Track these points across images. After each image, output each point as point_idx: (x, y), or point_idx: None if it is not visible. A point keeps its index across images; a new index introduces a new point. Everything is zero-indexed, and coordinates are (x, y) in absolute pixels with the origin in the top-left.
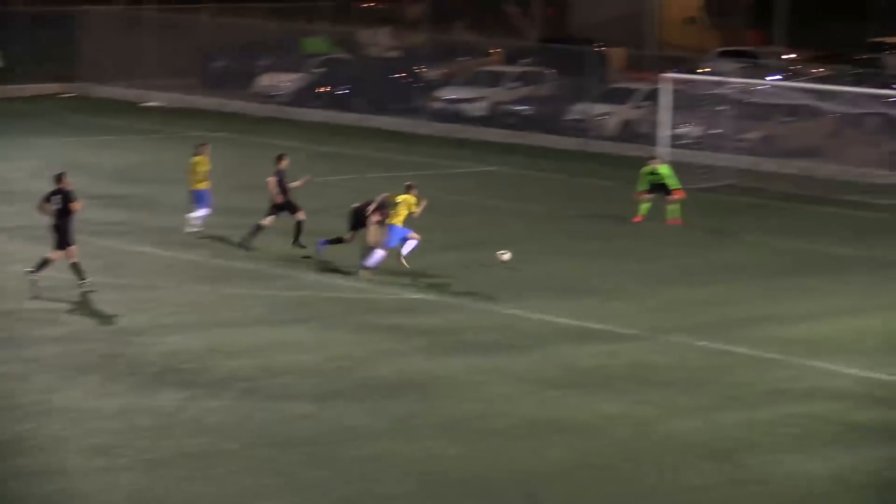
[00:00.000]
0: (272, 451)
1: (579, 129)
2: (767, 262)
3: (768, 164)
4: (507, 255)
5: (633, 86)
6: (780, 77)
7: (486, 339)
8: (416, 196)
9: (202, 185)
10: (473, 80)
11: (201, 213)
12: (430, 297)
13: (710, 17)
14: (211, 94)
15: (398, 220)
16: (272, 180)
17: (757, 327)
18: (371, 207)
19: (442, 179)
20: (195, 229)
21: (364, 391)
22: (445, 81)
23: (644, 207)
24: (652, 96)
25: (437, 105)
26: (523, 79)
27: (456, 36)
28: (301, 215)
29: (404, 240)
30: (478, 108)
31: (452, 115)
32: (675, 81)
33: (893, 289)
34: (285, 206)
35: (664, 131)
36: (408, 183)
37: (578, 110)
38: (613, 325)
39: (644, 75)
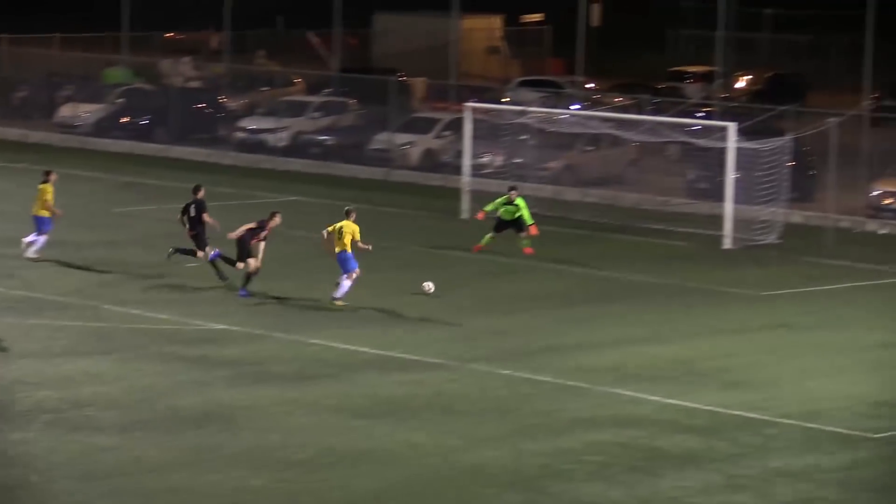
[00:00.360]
0: (75, 483)
1: (383, 158)
2: (570, 291)
3: (571, 193)
4: (430, 286)
5: (435, 115)
6: (582, 106)
7: (291, 370)
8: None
9: (44, 213)
10: (276, 110)
11: (41, 239)
12: (235, 327)
13: (512, 46)
14: (13, 125)
15: (344, 246)
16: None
17: (561, 355)
18: (247, 230)
19: (245, 210)
20: (34, 255)
21: (168, 422)
22: (248, 111)
23: (486, 239)
24: (454, 126)
25: (240, 135)
26: (326, 109)
27: (258, 66)
28: (202, 255)
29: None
30: (280, 139)
31: (255, 146)
32: (478, 111)
33: (693, 316)
34: (194, 240)
35: (467, 160)
36: (348, 208)
37: (381, 140)
38: (419, 354)
39: (447, 105)
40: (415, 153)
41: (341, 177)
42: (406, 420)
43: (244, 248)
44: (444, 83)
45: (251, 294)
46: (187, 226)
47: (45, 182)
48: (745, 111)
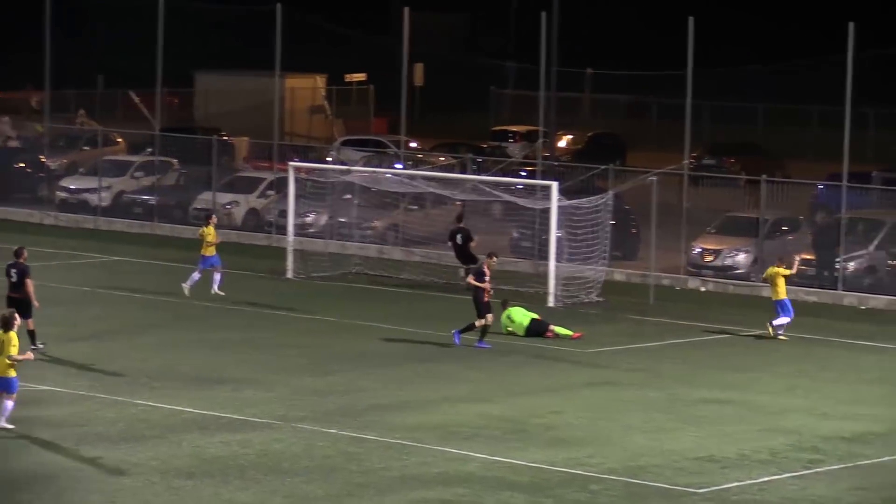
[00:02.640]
0: None
1: (206, 218)
2: (396, 350)
3: (395, 252)
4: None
5: (259, 175)
6: (405, 165)
7: (115, 430)
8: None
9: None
10: (97, 170)
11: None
12: (59, 388)
13: (335, 105)
14: None
15: (210, 250)
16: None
17: (387, 414)
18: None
19: (67, 270)
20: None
21: None
22: (69, 171)
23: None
24: (278, 185)
25: (61, 195)
26: (148, 168)
27: (79, 125)
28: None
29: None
30: (102, 198)
31: (77, 205)
32: (301, 170)
33: (519, 375)
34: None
35: (291, 220)
36: (207, 213)
37: (204, 199)
38: (244, 413)
39: (270, 164)
40: (238, 213)
41: (165, 236)
42: (231, 480)
43: (481, 304)
44: (267, 142)
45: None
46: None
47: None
48: (567, 170)
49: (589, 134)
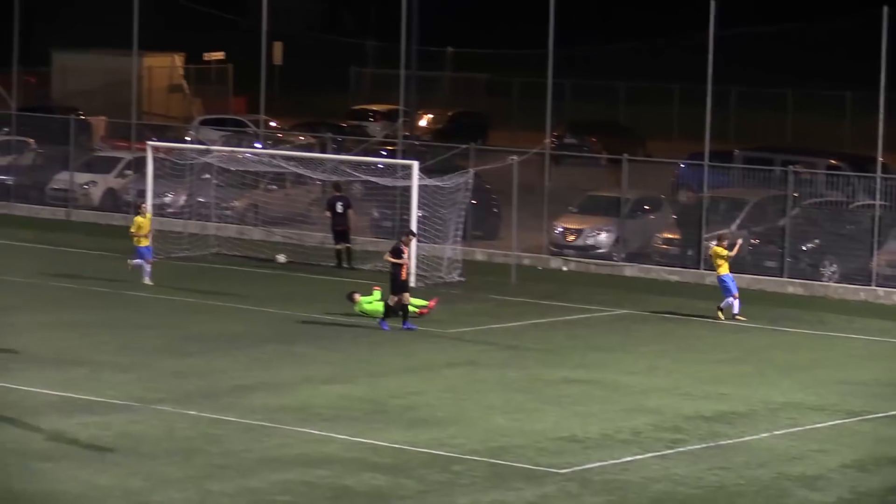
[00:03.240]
0: None
1: (63, 198)
2: (256, 330)
3: (255, 232)
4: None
5: (116, 155)
6: (265, 145)
7: None
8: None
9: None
10: None
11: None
12: None
13: (194, 85)
14: None
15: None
16: None
17: (247, 395)
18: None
19: None
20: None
21: None
22: None
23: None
24: (136, 165)
25: None
26: (4, 148)
27: None
28: None
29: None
30: None
31: None
32: (160, 150)
33: (379, 355)
34: None
35: (149, 200)
36: (139, 201)
37: (62, 180)
38: (102, 395)
39: (128, 144)
40: (96, 193)
41: (22, 217)
42: (90, 462)
43: (396, 281)
44: (125, 122)
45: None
46: None
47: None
48: (428, 149)
49: (450, 113)
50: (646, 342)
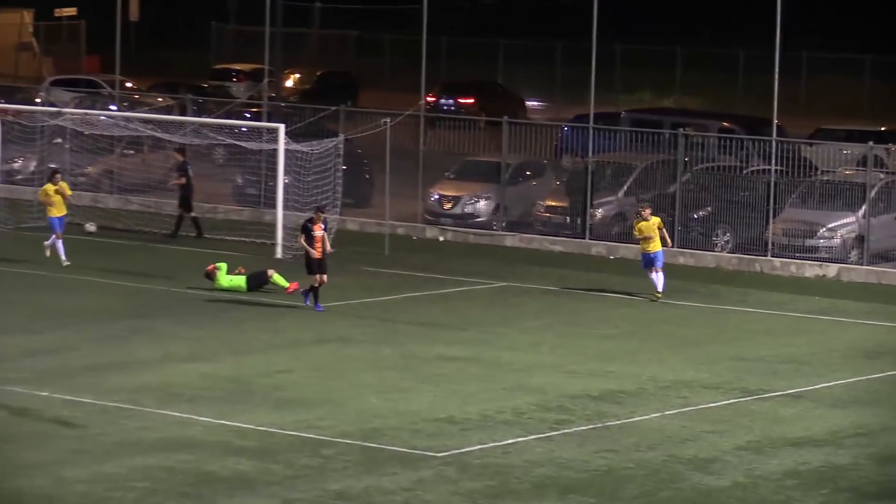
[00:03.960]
0: None
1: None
2: (111, 306)
3: (111, 201)
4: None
5: None
6: (119, 107)
7: None
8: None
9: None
10: None
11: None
12: None
13: (43, 43)
14: None
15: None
16: None
17: (103, 375)
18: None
19: None
20: None
21: None
22: None
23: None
24: None
25: None
26: None
27: None
28: None
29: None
30: None
31: None
32: (7, 112)
33: (243, 331)
34: None
35: None
36: (52, 167)
37: None
38: None
39: None
40: None
41: None
42: None
43: (310, 262)
44: None
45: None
46: None
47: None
48: (295, 111)
49: (318, 72)
50: (528, 316)
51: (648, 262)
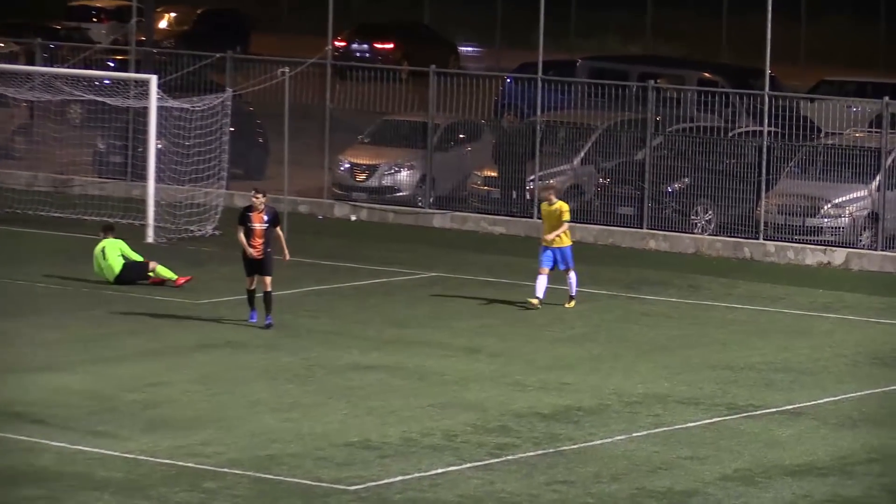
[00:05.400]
0: None
1: None
2: None
3: None
4: None
5: None
6: None
7: None
8: None
9: None
10: None
11: None
12: None
13: None
14: None
15: None
16: None
17: None
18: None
19: None
20: None
21: None
22: None
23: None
24: None
25: None
26: None
27: None
28: None
29: None
30: None
31: None
32: None
33: (106, 334)
34: None
35: None
36: None
37: None
38: None
39: None
40: None
41: None
42: None
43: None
44: None
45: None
46: None
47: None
48: (171, 59)
49: (199, 11)
50: (463, 315)
51: (548, 259)
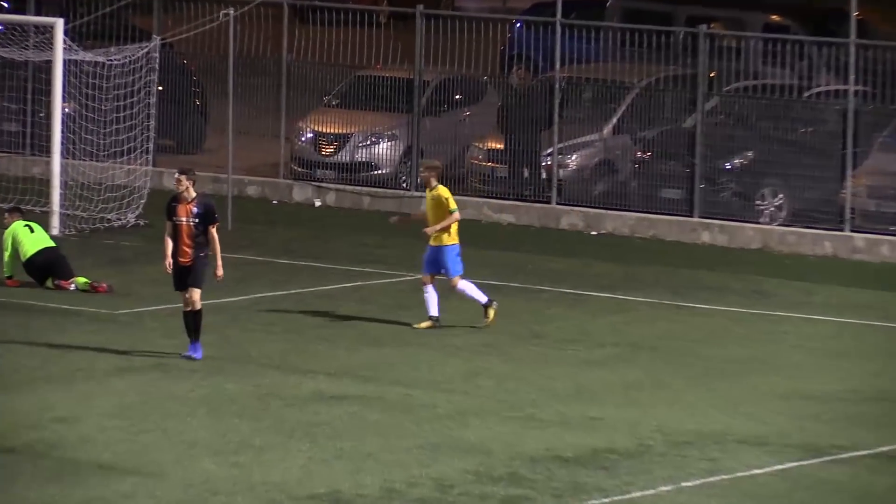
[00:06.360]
0: None
1: None
2: None
3: None
4: None
5: None
6: None
7: None
8: None
9: None
10: None
11: None
12: None
13: None
14: None
15: None
16: None
17: None
18: None
19: None
20: None
21: None
22: None
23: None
24: None
25: None
26: None
27: None
28: None
29: None
30: None
31: None
32: None
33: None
34: None
35: None
36: None
37: None
38: None
39: None
40: None
41: None
42: None
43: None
44: None
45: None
46: None
47: None
48: None
49: None
50: (459, 330)
51: (431, 261)
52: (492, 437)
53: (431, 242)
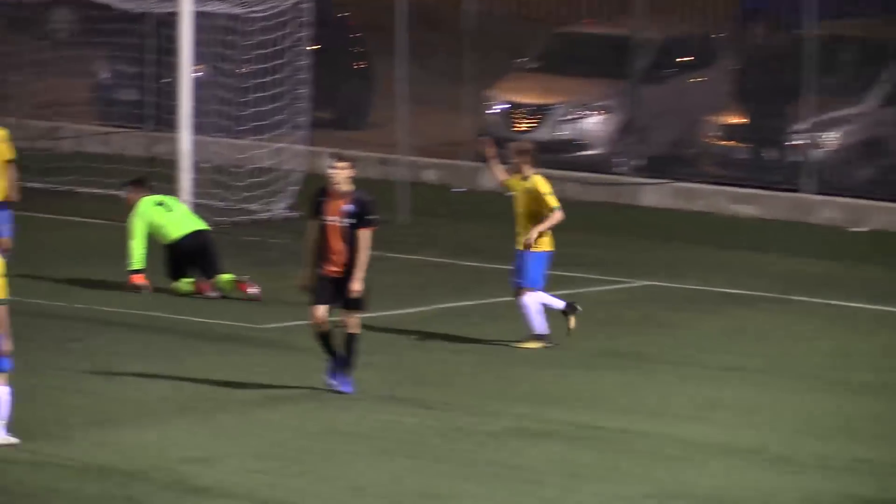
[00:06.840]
0: None
1: None
2: None
3: None
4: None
5: None
6: None
7: None
8: None
9: None
10: None
11: None
12: None
13: None
14: None
15: None
16: None
17: None
18: None
19: None
20: None
21: None
22: None
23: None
24: None
25: None
26: None
27: None
28: None
29: None
30: None
31: None
32: None
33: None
34: None
35: None
36: None
37: None
38: None
39: None
40: None
41: None
42: None
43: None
44: None
45: None
46: None
47: None
48: None
49: None
50: (694, 346)
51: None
52: (734, 484)
53: (520, 246)
